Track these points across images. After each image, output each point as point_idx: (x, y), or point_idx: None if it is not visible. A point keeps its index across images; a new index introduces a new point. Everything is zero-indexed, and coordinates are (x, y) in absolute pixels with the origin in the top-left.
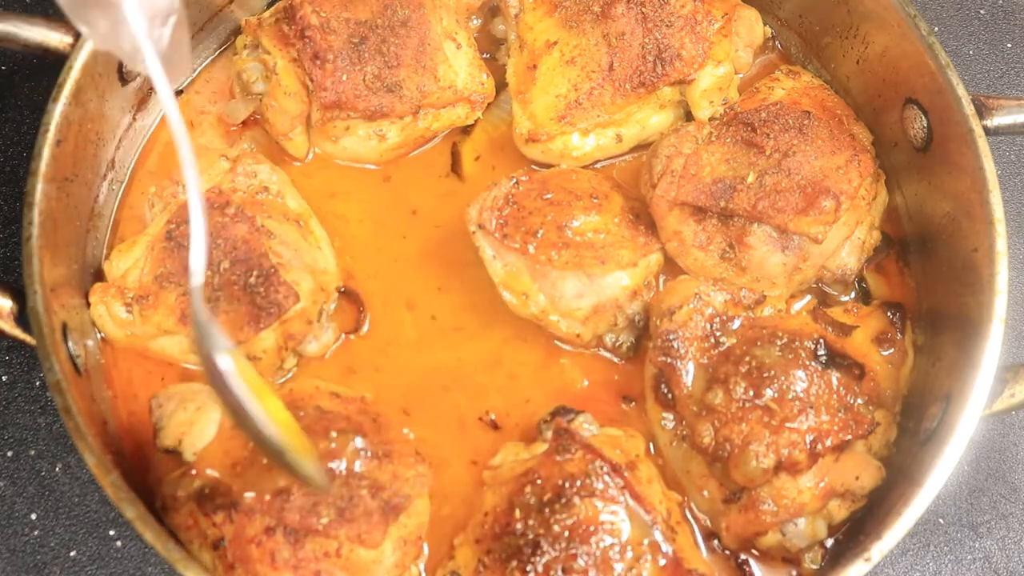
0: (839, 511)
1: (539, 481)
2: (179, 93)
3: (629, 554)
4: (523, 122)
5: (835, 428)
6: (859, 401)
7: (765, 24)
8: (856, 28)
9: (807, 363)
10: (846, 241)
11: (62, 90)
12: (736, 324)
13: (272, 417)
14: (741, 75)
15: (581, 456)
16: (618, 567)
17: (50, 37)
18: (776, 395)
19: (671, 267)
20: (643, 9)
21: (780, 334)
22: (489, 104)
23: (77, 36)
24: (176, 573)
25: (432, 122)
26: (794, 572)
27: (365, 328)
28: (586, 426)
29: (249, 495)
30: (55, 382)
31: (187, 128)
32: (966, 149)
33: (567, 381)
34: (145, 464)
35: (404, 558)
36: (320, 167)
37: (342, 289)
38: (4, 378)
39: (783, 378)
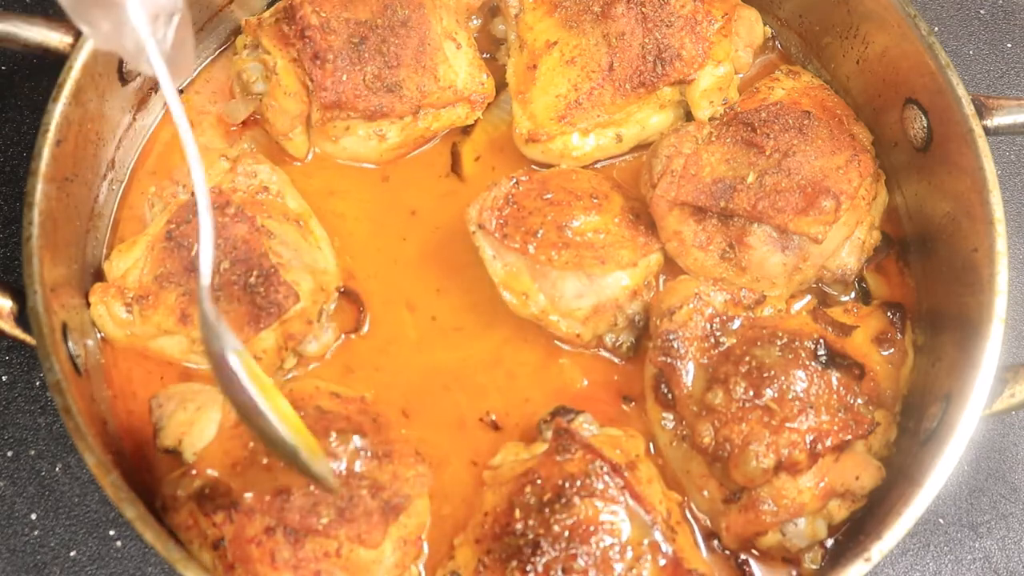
0: (839, 511)
1: (539, 481)
2: (179, 93)
3: (629, 554)
4: (523, 122)
5: (835, 428)
6: (859, 401)
7: (765, 24)
8: (856, 28)
9: (807, 363)
10: (846, 241)
11: (62, 90)
12: (736, 324)
13: (282, 416)
14: (741, 75)
15: (581, 456)
16: (618, 567)
17: (50, 37)
18: (776, 395)
19: (671, 267)
20: (643, 9)
21: (780, 334)
22: (489, 104)
23: (77, 36)
24: (176, 573)
25: (432, 122)
26: (794, 572)
27: (365, 328)
28: (586, 426)
29: (249, 495)
30: (55, 382)
31: (188, 128)
32: (966, 149)
33: (567, 381)
34: (145, 464)
35: (404, 558)
36: (319, 166)
37: (342, 289)
38: (4, 378)
39: (783, 378)
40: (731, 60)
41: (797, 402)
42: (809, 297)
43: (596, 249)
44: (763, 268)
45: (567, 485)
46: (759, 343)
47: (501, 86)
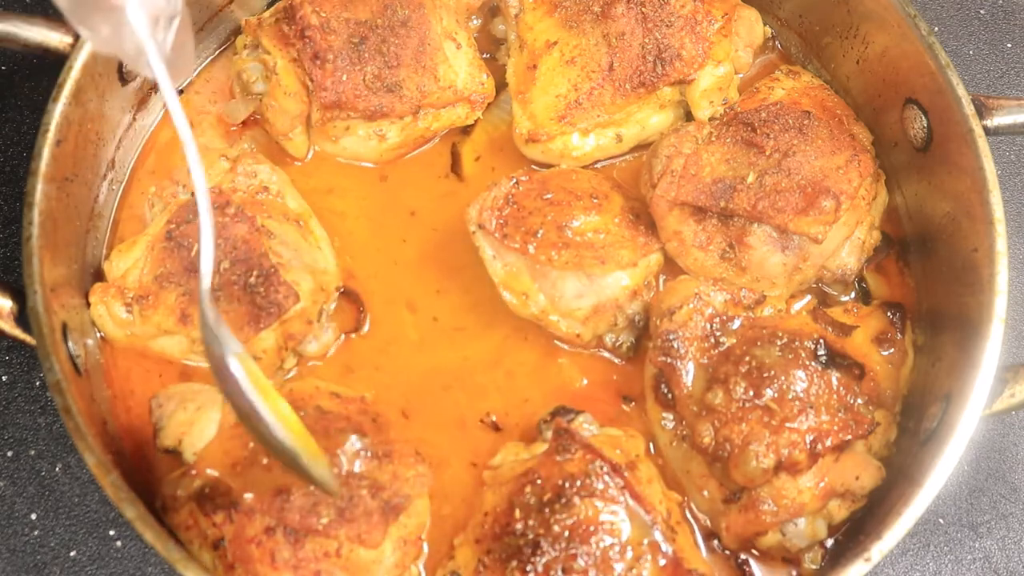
0: (839, 511)
1: (539, 481)
2: (179, 93)
3: (629, 554)
4: (523, 122)
5: (835, 428)
6: (859, 401)
7: (765, 24)
8: (856, 28)
9: (807, 363)
10: (846, 241)
11: (62, 90)
12: (736, 324)
13: (282, 420)
14: (741, 75)
15: (581, 456)
16: (618, 567)
17: (50, 37)
18: (776, 395)
19: (671, 267)
20: (643, 9)
21: (780, 334)
22: (489, 104)
23: (77, 36)
24: (176, 573)
25: (432, 122)
26: (794, 572)
27: (365, 328)
28: (586, 426)
29: (249, 495)
30: (55, 382)
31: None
32: (966, 149)
33: (566, 380)
34: (145, 464)
35: (404, 558)
36: (317, 164)
37: (342, 289)
38: (4, 378)
39: (783, 378)
40: (731, 60)
41: (797, 402)
42: (809, 297)
43: (596, 249)
44: (763, 268)
45: (567, 485)
46: (759, 343)
47: (501, 86)
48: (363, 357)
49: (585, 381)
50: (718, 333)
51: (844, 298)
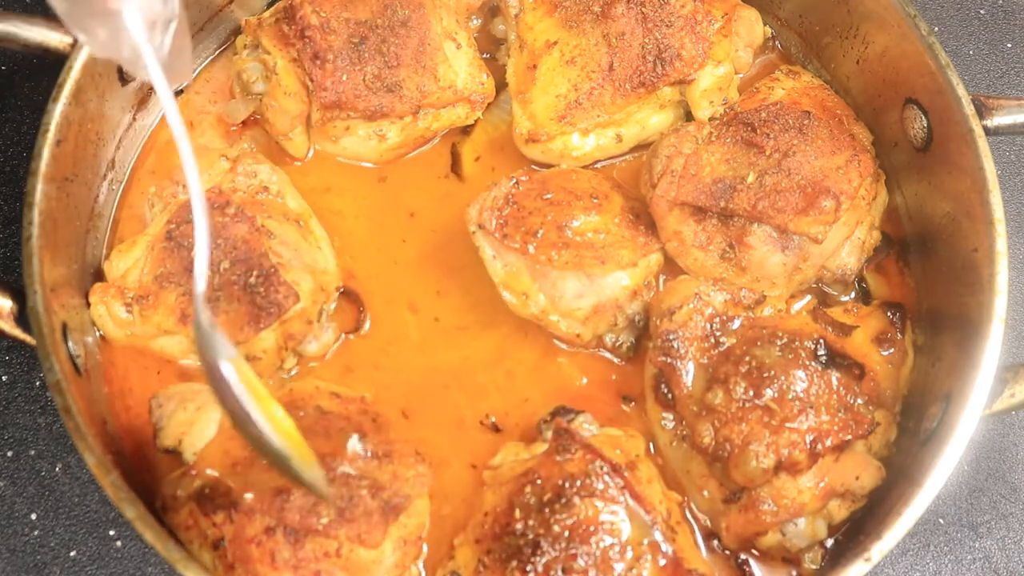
0: (839, 511)
1: (539, 481)
2: (179, 93)
3: (629, 554)
4: (523, 122)
5: (835, 428)
6: (859, 401)
7: (765, 24)
8: (856, 28)
9: (807, 363)
10: (846, 241)
11: (62, 90)
12: (736, 324)
13: (275, 425)
14: (741, 75)
15: (581, 456)
16: (618, 567)
17: (50, 37)
18: (776, 395)
19: (671, 267)
20: (643, 9)
21: (780, 334)
22: (489, 104)
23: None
24: (176, 573)
25: (432, 122)
26: (794, 572)
27: (365, 328)
28: (586, 426)
29: (249, 495)
30: (55, 382)
31: (187, 129)
32: (966, 149)
33: (566, 380)
34: (145, 464)
35: (404, 558)
36: (316, 163)
37: (342, 289)
38: (4, 378)
39: (783, 378)
40: (731, 60)
41: (797, 402)
42: (809, 297)
43: (596, 249)
44: (763, 268)
45: (567, 485)
46: (759, 343)
47: (501, 86)
48: (363, 357)
49: (585, 380)
50: (718, 333)
51: (844, 298)
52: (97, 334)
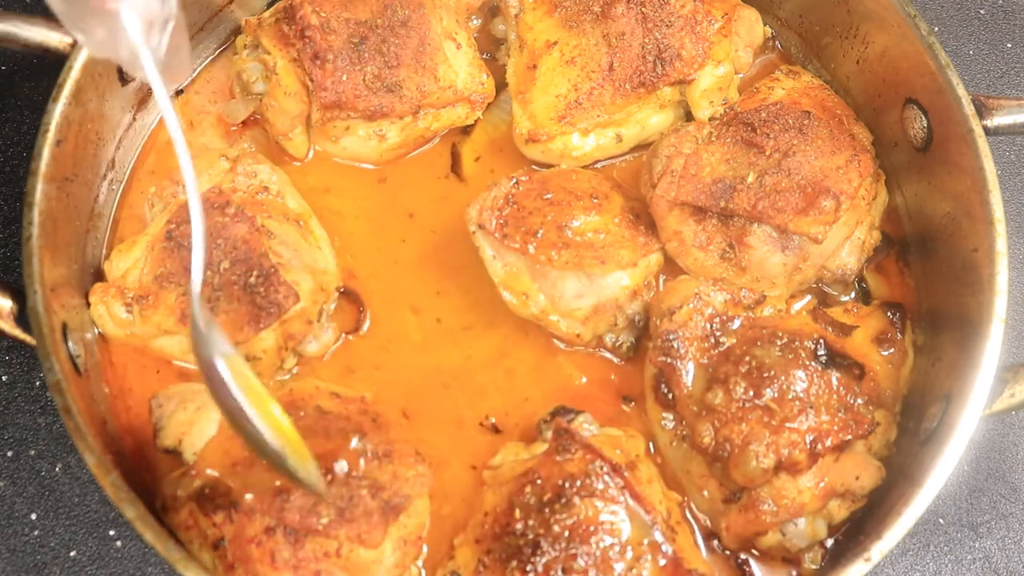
0: (839, 511)
1: (539, 481)
2: (179, 93)
3: (629, 554)
4: (523, 122)
5: (835, 428)
6: (859, 401)
7: (765, 24)
8: (856, 28)
9: (807, 363)
10: (846, 241)
11: (62, 90)
12: (736, 324)
13: (271, 423)
14: (741, 75)
15: (581, 456)
16: (618, 567)
17: (50, 37)
18: (776, 395)
19: (671, 267)
20: (643, 9)
21: (780, 334)
22: (489, 104)
23: None
24: (176, 573)
25: (432, 122)
26: (794, 572)
27: (365, 328)
28: (586, 426)
29: (249, 495)
30: (55, 382)
31: (187, 129)
32: (966, 149)
33: (565, 379)
34: (145, 464)
35: (404, 558)
36: (316, 163)
37: (342, 289)
38: (4, 378)
39: (783, 378)
40: (731, 60)
41: (797, 402)
42: (809, 297)
43: (596, 249)
44: (763, 268)
45: (567, 485)
46: (759, 343)
47: (501, 86)
48: (363, 357)
49: (584, 380)
50: (718, 333)
51: (844, 298)
52: (97, 334)
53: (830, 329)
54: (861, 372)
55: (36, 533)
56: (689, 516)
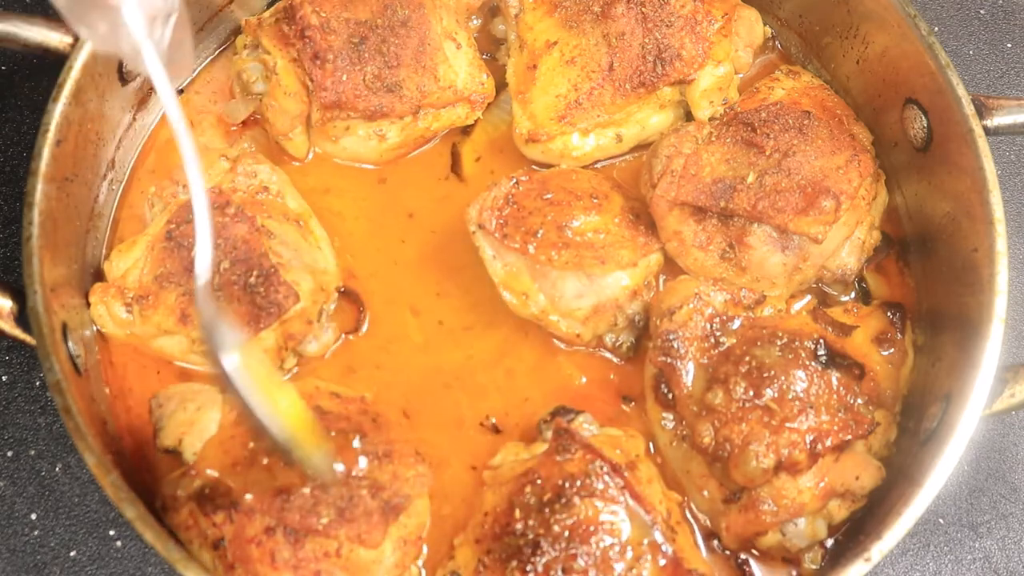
0: (839, 511)
1: (539, 481)
2: (179, 93)
3: (629, 554)
4: (523, 122)
5: (835, 428)
6: (859, 401)
7: (765, 24)
8: (856, 28)
9: (807, 363)
10: (846, 241)
11: (62, 90)
12: (736, 324)
13: (285, 410)
14: (741, 75)
15: (581, 456)
16: (618, 567)
17: (50, 37)
18: (776, 395)
19: (671, 267)
20: (643, 9)
21: (780, 334)
22: (489, 104)
23: (77, 36)
24: (176, 573)
25: (432, 122)
26: (794, 572)
27: (365, 328)
28: (586, 426)
29: (249, 495)
30: (55, 382)
31: (188, 127)
32: (966, 149)
33: (565, 379)
34: (145, 464)
35: (404, 558)
36: (316, 163)
37: (342, 289)
38: (4, 378)
39: (783, 378)
40: (731, 60)
41: (797, 402)
42: (809, 297)
43: (596, 249)
44: (763, 268)
45: (567, 485)
46: (759, 343)
47: (501, 86)
48: (364, 357)
49: (584, 380)
50: (718, 333)
51: (844, 298)
52: (97, 334)
53: (830, 329)
54: (861, 372)
55: (36, 533)
56: (689, 516)
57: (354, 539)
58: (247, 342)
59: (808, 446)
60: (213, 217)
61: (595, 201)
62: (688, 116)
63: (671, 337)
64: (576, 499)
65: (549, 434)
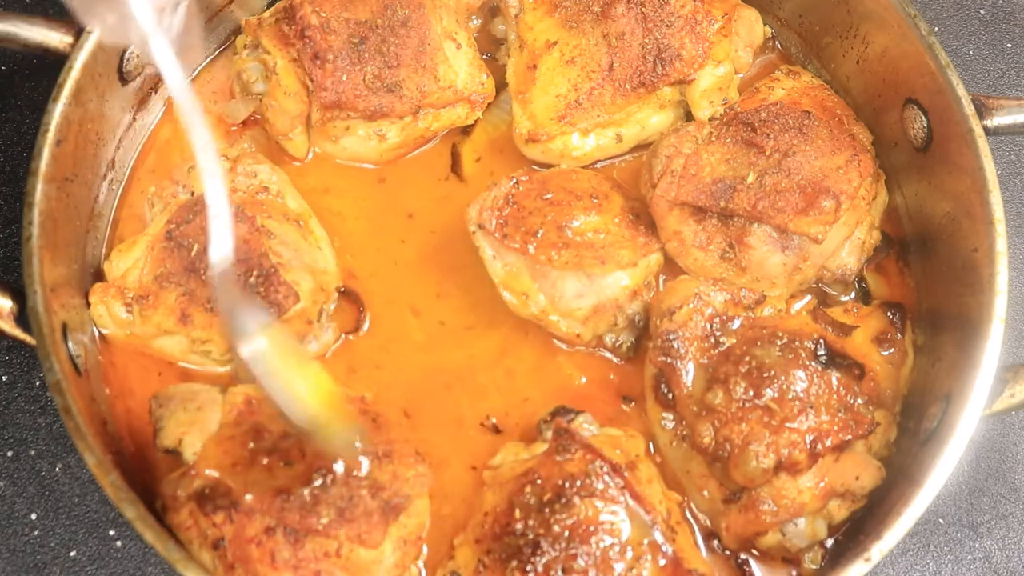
0: (839, 511)
1: (539, 481)
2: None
3: (629, 554)
4: (523, 122)
5: (835, 428)
6: (859, 401)
7: (765, 24)
8: (856, 28)
9: (807, 363)
10: (846, 241)
11: (62, 90)
12: (736, 324)
13: (313, 387)
14: (741, 75)
15: (581, 456)
16: (618, 567)
17: (50, 37)
18: (776, 395)
19: (671, 267)
20: (643, 9)
21: (780, 334)
22: (489, 104)
23: (77, 36)
24: (176, 573)
25: (432, 122)
26: (794, 572)
27: (365, 328)
28: (586, 426)
29: (249, 495)
30: (55, 382)
31: (187, 129)
32: (966, 149)
33: (565, 379)
34: (145, 464)
35: (404, 558)
36: (316, 163)
37: (342, 289)
38: (4, 378)
39: (783, 378)
40: (731, 60)
41: (797, 402)
42: (809, 297)
43: (596, 249)
44: (763, 268)
45: (567, 485)
46: (759, 343)
47: (501, 86)
48: (364, 357)
49: (584, 380)
50: (718, 333)
51: (844, 298)
52: (98, 335)
53: (830, 329)
54: (861, 372)
55: (36, 533)
56: (689, 516)
57: (354, 539)
58: (271, 324)
59: (808, 446)
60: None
61: (595, 201)
62: (688, 116)
63: (671, 337)
64: (576, 499)
65: (549, 434)
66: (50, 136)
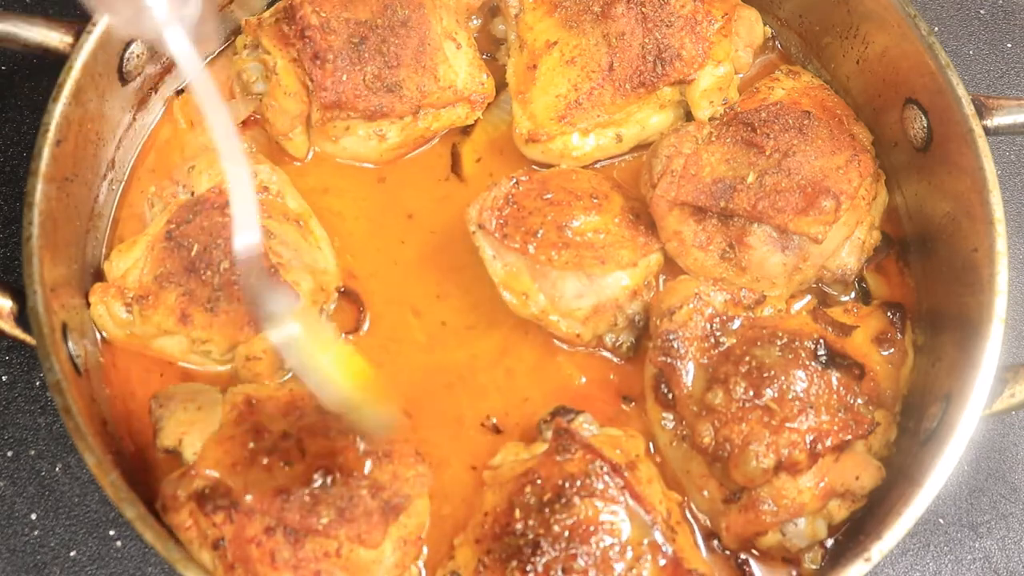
0: (839, 511)
1: (539, 481)
2: (179, 93)
3: (629, 554)
4: (523, 122)
5: (835, 428)
6: (859, 401)
7: (765, 24)
8: (856, 28)
9: (807, 363)
10: (846, 241)
11: (62, 90)
12: (736, 324)
13: (347, 368)
14: (741, 75)
15: (581, 456)
16: (618, 567)
17: (50, 37)
18: (776, 395)
19: (671, 267)
20: (643, 9)
21: (780, 334)
22: (489, 104)
23: (77, 36)
24: (176, 573)
25: (432, 122)
26: (794, 572)
27: (365, 328)
28: (586, 426)
29: (249, 495)
30: (55, 382)
31: (187, 129)
32: (966, 149)
33: (565, 379)
34: (145, 464)
35: (404, 558)
36: (315, 163)
37: (342, 289)
38: (4, 378)
39: (783, 378)
40: (731, 60)
41: (797, 402)
42: (809, 297)
43: (596, 249)
44: (763, 268)
45: (567, 485)
46: (759, 343)
47: (501, 86)
48: (366, 356)
49: (584, 380)
50: (718, 333)
51: (844, 298)
52: (98, 335)
53: (830, 329)
54: (861, 372)
55: (36, 533)
56: (689, 516)
57: (354, 539)
58: (303, 307)
59: (808, 446)
60: (213, 217)
61: (595, 201)
62: (688, 116)
63: (671, 337)
64: (576, 499)
65: (549, 434)
66: (50, 136)
